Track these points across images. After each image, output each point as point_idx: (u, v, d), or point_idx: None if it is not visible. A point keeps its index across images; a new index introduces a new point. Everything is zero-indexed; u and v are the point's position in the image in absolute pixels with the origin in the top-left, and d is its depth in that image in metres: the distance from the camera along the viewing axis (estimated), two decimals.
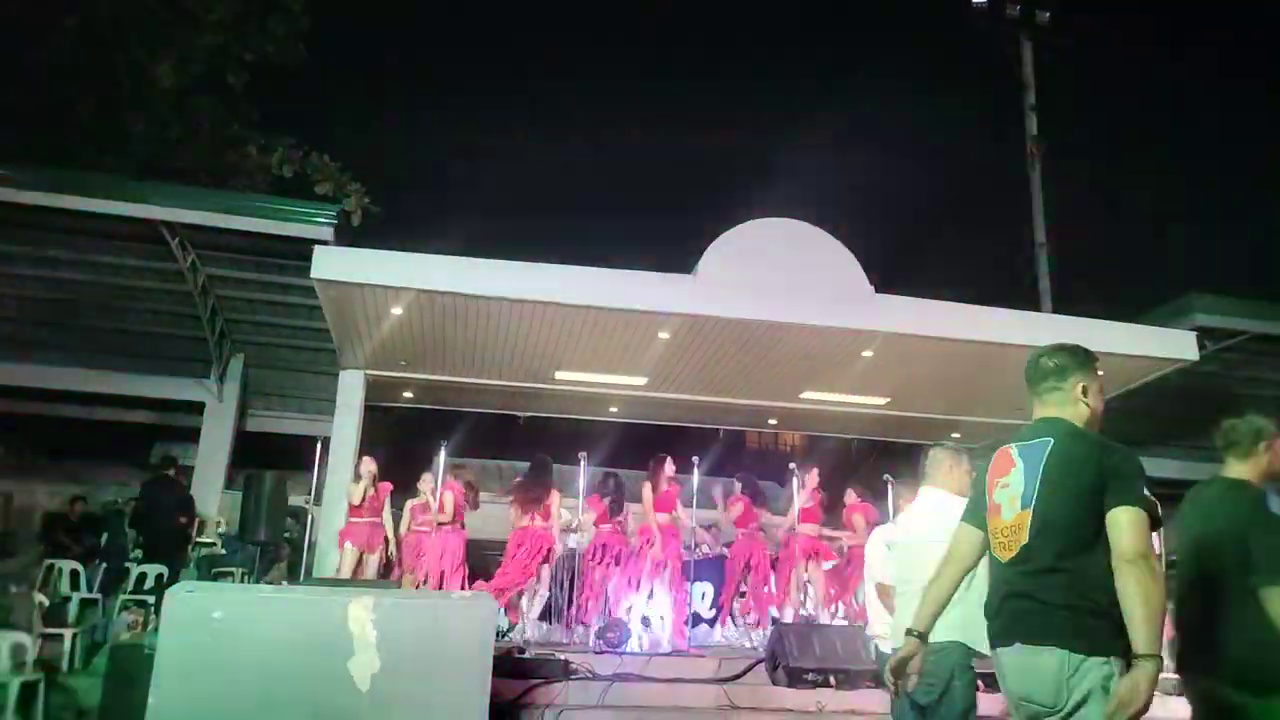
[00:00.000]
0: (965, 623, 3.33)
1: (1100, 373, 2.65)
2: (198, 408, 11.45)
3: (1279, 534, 2.84)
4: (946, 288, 9.51)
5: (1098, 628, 2.26)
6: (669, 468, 8.05)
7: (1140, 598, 2.20)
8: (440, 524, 8.18)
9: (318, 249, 7.87)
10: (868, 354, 9.24)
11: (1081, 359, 2.62)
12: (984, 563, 2.95)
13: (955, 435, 11.74)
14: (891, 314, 8.73)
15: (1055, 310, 13.14)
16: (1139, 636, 2.19)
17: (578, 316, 8.58)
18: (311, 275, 7.82)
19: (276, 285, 9.61)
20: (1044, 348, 2.68)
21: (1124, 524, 2.29)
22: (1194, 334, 9.42)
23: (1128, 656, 2.22)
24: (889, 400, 10.98)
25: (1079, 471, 2.40)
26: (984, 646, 3.05)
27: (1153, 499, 2.39)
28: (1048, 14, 14.07)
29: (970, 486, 3.05)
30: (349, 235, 9.43)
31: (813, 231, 8.81)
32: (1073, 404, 2.57)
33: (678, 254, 9.02)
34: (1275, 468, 3.09)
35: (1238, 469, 3.09)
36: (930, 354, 9.26)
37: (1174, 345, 9.33)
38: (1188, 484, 3.35)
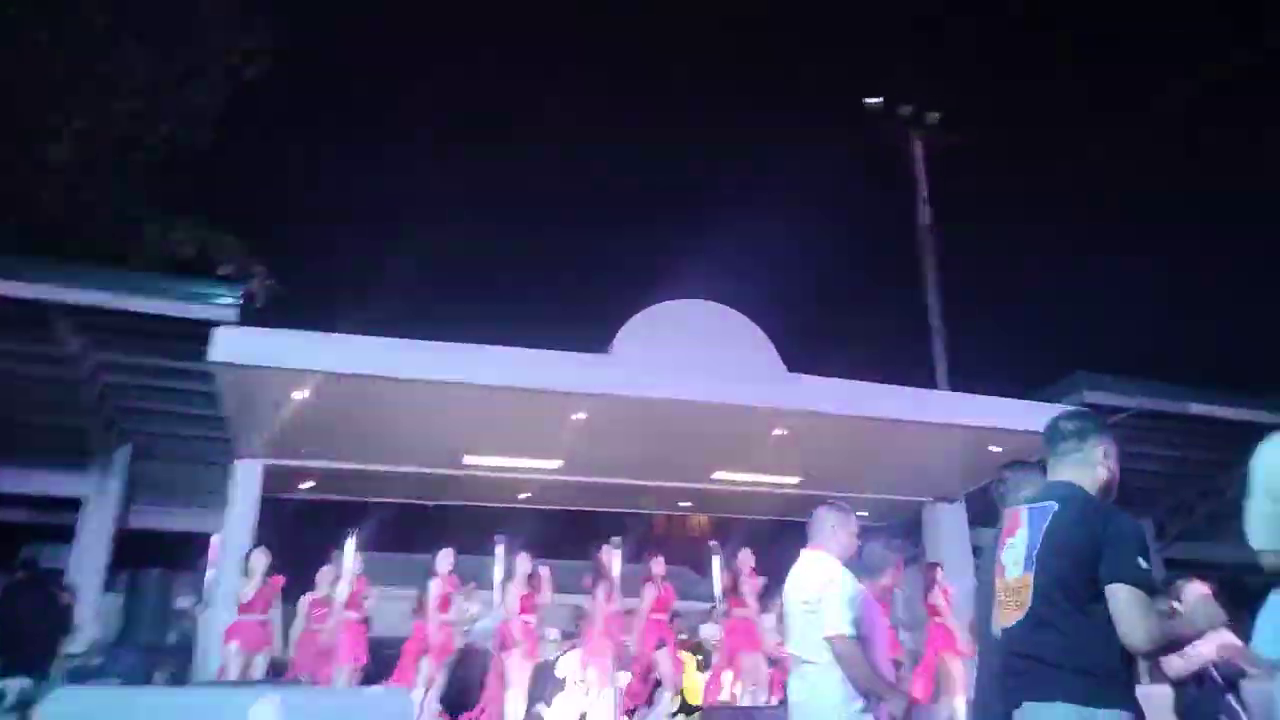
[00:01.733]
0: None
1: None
2: (75, 504, 10.65)
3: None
4: (851, 369, 9.79)
5: (1105, 684, 2.28)
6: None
7: None
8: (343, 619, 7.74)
9: (218, 330, 7.55)
10: (781, 432, 9.33)
11: (1099, 423, 2.71)
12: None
13: (863, 513, 11.87)
14: (804, 393, 8.89)
15: (952, 389, 13.60)
16: None
17: (489, 398, 8.41)
18: (210, 358, 7.48)
19: (172, 370, 9.12)
20: (1063, 412, 2.77)
21: (1123, 607, 2.29)
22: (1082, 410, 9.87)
23: (1139, 714, 2.29)
24: (800, 480, 11.07)
25: (1076, 537, 2.43)
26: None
27: (1147, 568, 2.38)
28: (937, 115, 15.03)
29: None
30: (252, 318, 9.07)
31: (726, 312, 8.97)
32: (1091, 467, 2.61)
33: (590, 334, 9.03)
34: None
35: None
36: (841, 432, 9.42)
37: None
38: None
